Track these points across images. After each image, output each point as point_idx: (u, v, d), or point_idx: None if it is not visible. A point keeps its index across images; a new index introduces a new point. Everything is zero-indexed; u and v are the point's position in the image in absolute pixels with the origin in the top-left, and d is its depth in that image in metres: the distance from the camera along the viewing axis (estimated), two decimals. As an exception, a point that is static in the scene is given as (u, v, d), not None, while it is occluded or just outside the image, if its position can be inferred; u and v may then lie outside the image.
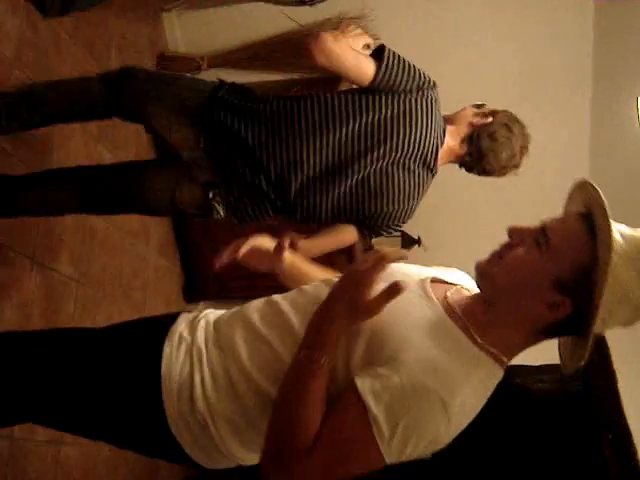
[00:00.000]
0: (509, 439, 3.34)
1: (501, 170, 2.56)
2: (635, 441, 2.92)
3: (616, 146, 3.97)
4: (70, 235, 3.16)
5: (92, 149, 3.39)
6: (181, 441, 1.48)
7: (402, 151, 2.36)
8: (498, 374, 1.40)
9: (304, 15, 4.19)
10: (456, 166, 2.63)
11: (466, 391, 1.32)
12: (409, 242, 4.21)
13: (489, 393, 1.40)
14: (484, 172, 2.57)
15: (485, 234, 4.04)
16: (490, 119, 2.49)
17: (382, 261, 1.37)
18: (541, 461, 3.22)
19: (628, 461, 2.90)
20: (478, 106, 2.58)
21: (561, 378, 3.31)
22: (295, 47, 4.18)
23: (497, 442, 3.46)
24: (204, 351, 1.52)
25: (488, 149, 2.48)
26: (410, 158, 2.39)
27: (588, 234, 1.35)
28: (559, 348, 1.52)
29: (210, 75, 4.35)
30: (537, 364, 3.17)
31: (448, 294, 1.51)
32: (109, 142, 3.56)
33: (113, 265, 3.55)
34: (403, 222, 2.53)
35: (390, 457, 1.29)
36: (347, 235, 2.51)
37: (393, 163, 2.38)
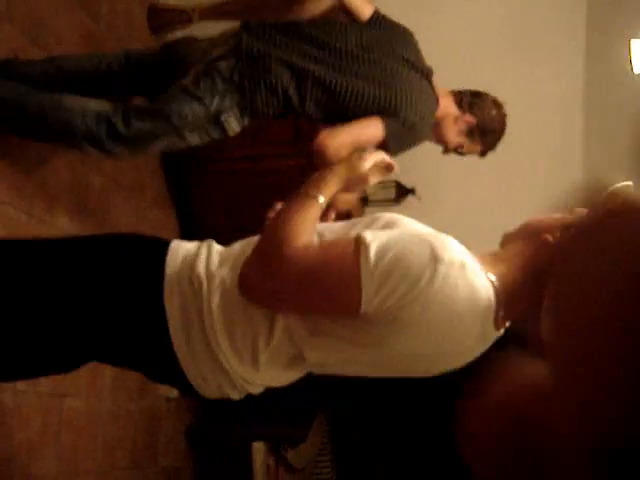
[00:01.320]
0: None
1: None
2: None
3: (610, 90, 3.96)
4: (66, 191, 3.16)
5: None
6: (169, 312, 1.49)
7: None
8: (490, 302, 1.42)
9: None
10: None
11: (457, 258, 1.39)
12: (404, 192, 4.22)
13: (477, 303, 1.41)
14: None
15: (480, 186, 4.10)
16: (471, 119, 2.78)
17: (378, 152, 1.67)
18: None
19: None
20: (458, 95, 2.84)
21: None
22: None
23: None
24: (215, 244, 1.61)
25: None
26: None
27: None
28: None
29: (201, 27, 4.30)
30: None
31: None
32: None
33: (110, 220, 3.56)
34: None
35: (368, 289, 1.36)
36: (372, 127, 2.65)
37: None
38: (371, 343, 1.45)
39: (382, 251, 1.36)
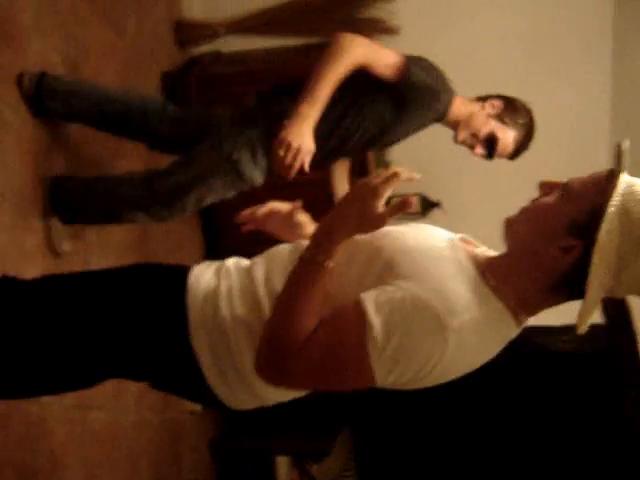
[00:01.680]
0: (535, 398, 3.36)
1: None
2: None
3: (638, 94, 3.91)
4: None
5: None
6: (198, 350, 1.49)
7: None
8: (509, 322, 1.40)
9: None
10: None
11: (467, 317, 1.32)
12: (429, 205, 4.21)
13: (498, 341, 1.42)
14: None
15: (506, 198, 4.06)
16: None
17: (395, 176, 1.38)
18: (566, 418, 3.25)
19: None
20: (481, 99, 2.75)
21: (582, 338, 3.33)
22: (313, 10, 4.16)
23: (522, 402, 3.49)
24: (233, 270, 1.57)
25: None
26: None
27: (607, 180, 1.35)
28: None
29: (227, 42, 4.34)
30: (558, 324, 3.20)
31: (474, 249, 1.53)
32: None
33: (136, 233, 3.58)
34: None
35: (380, 371, 1.32)
36: (393, 52, 2.58)
37: None
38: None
39: (388, 330, 1.30)
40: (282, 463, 4.12)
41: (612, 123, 4.19)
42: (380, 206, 1.38)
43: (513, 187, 3.85)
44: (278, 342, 1.37)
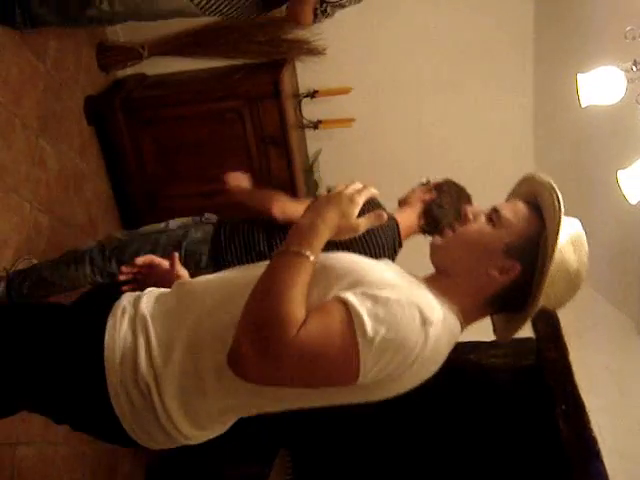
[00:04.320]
0: (465, 414, 3.39)
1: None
2: (587, 411, 2.98)
3: (558, 123, 4.02)
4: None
5: (33, 144, 3.32)
6: (121, 416, 1.46)
7: None
8: (457, 326, 1.48)
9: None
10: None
11: (438, 314, 1.39)
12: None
13: (452, 342, 1.47)
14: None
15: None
16: (435, 193, 2.97)
17: (365, 189, 1.50)
18: (496, 434, 3.27)
19: (581, 431, 2.96)
20: (424, 184, 3.05)
21: (513, 352, 3.38)
22: (237, 33, 4.14)
23: (453, 417, 3.51)
24: (149, 319, 1.52)
25: (441, 217, 2.95)
26: None
27: (535, 212, 1.53)
28: (492, 320, 1.63)
29: (151, 64, 4.29)
30: (489, 340, 3.22)
31: None
32: (50, 136, 3.50)
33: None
34: None
35: (367, 361, 1.30)
36: None
37: None
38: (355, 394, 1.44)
39: (375, 322, 1.31)
40: (220, 489, 4.06)
41: (535, 148, 4.29)
42: (356, 214, 1.47)
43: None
44: (271, 326, 1.30)
